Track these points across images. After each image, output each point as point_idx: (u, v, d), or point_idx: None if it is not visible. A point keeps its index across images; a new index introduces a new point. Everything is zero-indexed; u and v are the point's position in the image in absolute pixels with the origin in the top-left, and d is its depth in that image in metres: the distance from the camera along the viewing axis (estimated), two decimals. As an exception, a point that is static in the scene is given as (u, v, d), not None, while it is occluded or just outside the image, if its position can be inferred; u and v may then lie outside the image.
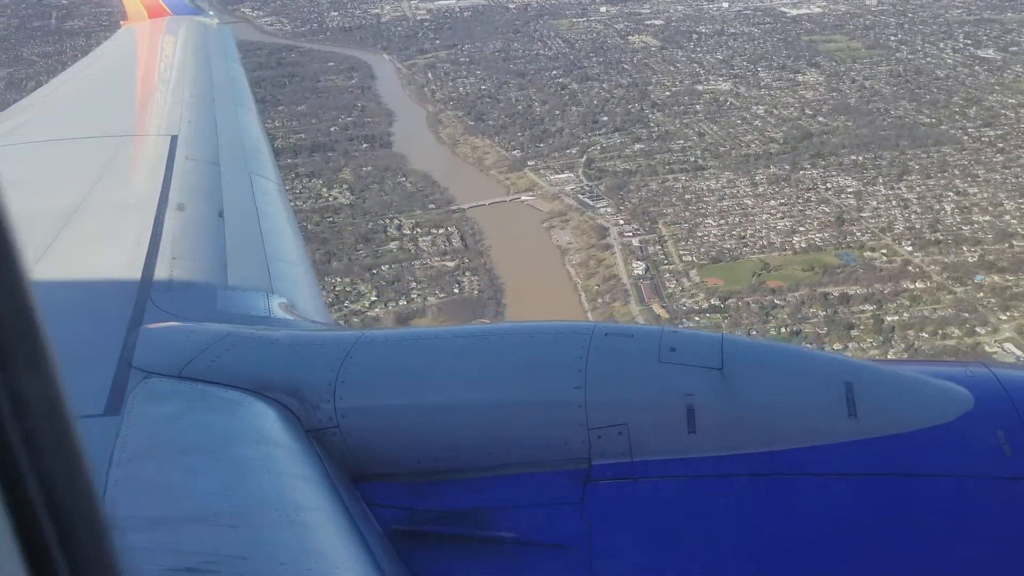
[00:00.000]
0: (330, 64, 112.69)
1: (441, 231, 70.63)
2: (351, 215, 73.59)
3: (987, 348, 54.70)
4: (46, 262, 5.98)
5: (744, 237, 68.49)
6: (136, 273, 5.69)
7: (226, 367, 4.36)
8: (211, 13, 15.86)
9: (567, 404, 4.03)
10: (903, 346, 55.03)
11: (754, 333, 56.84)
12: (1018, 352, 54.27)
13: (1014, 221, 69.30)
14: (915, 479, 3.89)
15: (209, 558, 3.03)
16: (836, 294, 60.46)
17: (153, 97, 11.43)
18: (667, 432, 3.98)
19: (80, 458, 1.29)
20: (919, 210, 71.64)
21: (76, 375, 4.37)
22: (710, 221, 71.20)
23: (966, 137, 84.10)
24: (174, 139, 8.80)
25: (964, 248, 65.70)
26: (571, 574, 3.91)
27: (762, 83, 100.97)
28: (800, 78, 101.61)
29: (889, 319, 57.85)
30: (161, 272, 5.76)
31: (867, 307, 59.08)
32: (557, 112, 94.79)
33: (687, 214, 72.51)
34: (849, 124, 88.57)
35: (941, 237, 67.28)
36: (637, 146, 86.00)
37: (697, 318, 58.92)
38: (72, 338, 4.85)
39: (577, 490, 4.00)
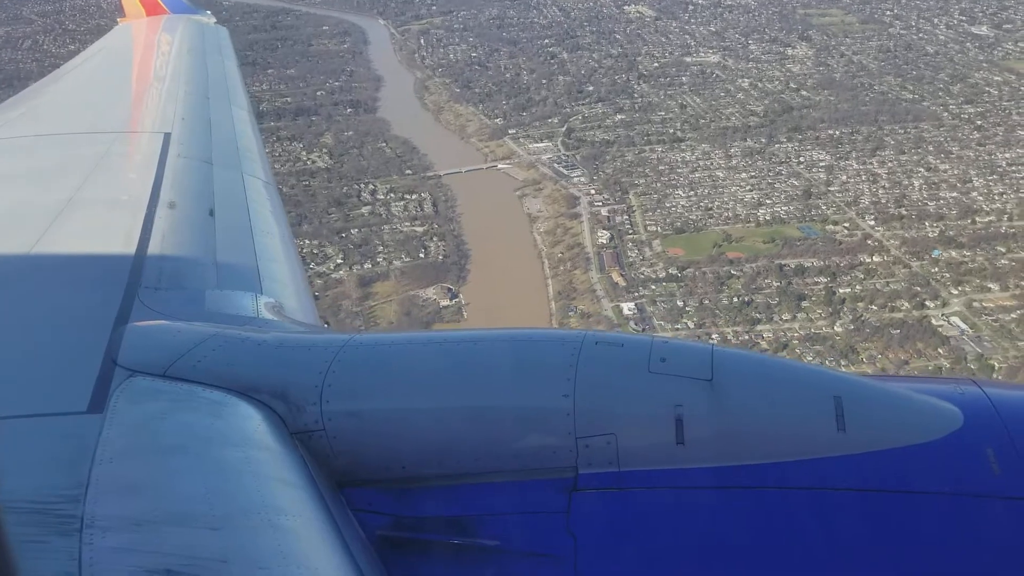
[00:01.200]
0: (324, 28, 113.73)
1: (414, 197, 71.96)
2: (327, 179, 74.95)
3: (934, 322, 55.78)
4: (34, 257, 5.99)
5: (711, 209, 69.46)
6: (124, 270, 5.61)
7: (212, 367, 4.31)
8: (208, 12, 15.85)
9: (555, 412, 4.00)
10: (849, 317, 56.08)
11: (706, 303, 58.14)
12: (963, 326, 55.31)
13: (980, 198, 70.02)
14: (903, 496, 3.88)
15: (189, 560, 3.03)
16: (792, 266, 61.47)
17: (147, 94, 11.45)
18: (655, 442, 3.96)
19: None
20: (887, 185, 72.36)
21: (60, 371, 4.48)
22: (680, 192, 72.17)
23: (946, 114, 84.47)
24: (167, 136, 8.79)
25: (926, 223, 66.50)
26: None
27: (751, 56, 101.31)
28: (789, 52, 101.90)
29: (841, 291, 58.83)
30: (150, 270, 5.69)
31: (821, 279, 60.12)
32: (544, 81, 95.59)
33: (658, 185, 73.49)
34: (831, 99, 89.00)
35: (905, 212, 68.05)
36: (619, 116, 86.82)
37: (653, 286, 60.12)
38: (58, 334, 4.94)
39: (563, 499, 3.98)
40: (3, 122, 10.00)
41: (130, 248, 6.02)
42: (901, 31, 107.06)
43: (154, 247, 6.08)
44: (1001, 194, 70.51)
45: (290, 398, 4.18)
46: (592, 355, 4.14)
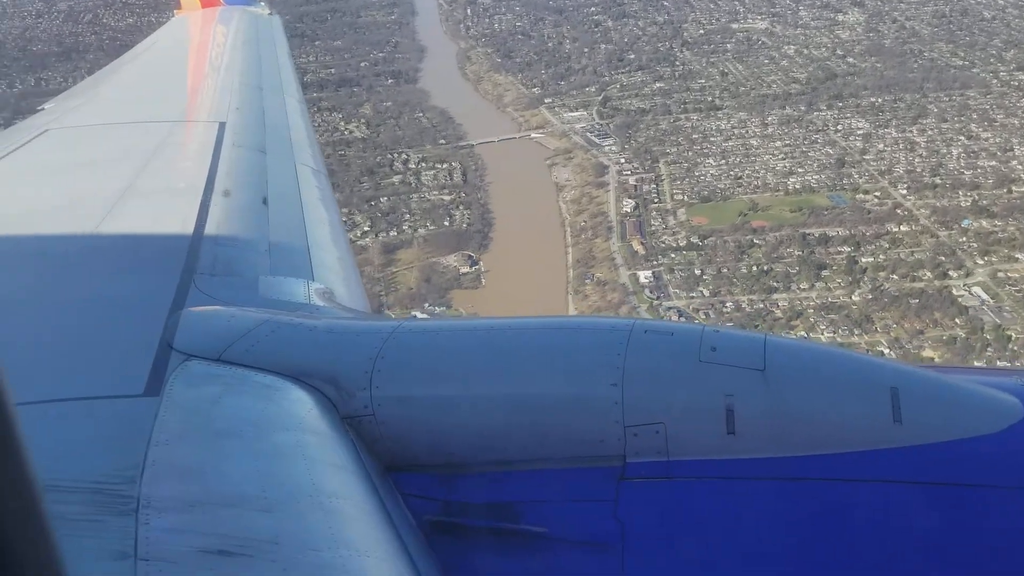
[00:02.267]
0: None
1: (444, 166, 72.95)
2: (362, 149, 76.34)
3: (955, 292, 54.91)
4: (94, 243, 6.13)
5: (740, 178, 69.01)
6: (181, 257, 5.70)
7: (265, 352, 4.37)
8: (262, 3, 15.94)
9: (603, 400, 3.97)
10: (868, 287, 55.54)
11: (724, 271, 58.09)
12: (984, 296, 54.36)
13: (1020, 167, 68.16)
14: (961, 489, 3.81)
15: (241, 541, 3.07)
16: (817, 235, 60.92)
17: (203, 85, 11.61)
18: (705, 432, 3.92)
19: (20, 457, 1.21)
20: (924, 154, 70.92)
21: (118, 355, 4.59)
22: (710, 161, 71.78)
23: (995, 81, 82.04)
24: (222, 126, 8.91)
25: (960, 193, 65.11)
26: (603, 572, 3.91)
27: (800, 22, 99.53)
28: (840, 18, 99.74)
29: (864, 261, 58.19)
30: (205, 256, 5.78)
31: (845, 248, 59.46)
32: (586, 50, 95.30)
33: (690, 154, 73.16)
34: (878, 66, 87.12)
35: (939, 181, 66.70)
36: (657, 85, 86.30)
37: (672, 255, 60.22)
38: (116, 319, 5.07)
39: (611, 488, 3.96)
40: (64, 111, 10.40)
41: (186, 235, 6.10)
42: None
43: (209, 234, 6.15)
44: (1043, 163, 68.62)
45: (340, 383, 4.22)
46: (641, 343, 4.11)
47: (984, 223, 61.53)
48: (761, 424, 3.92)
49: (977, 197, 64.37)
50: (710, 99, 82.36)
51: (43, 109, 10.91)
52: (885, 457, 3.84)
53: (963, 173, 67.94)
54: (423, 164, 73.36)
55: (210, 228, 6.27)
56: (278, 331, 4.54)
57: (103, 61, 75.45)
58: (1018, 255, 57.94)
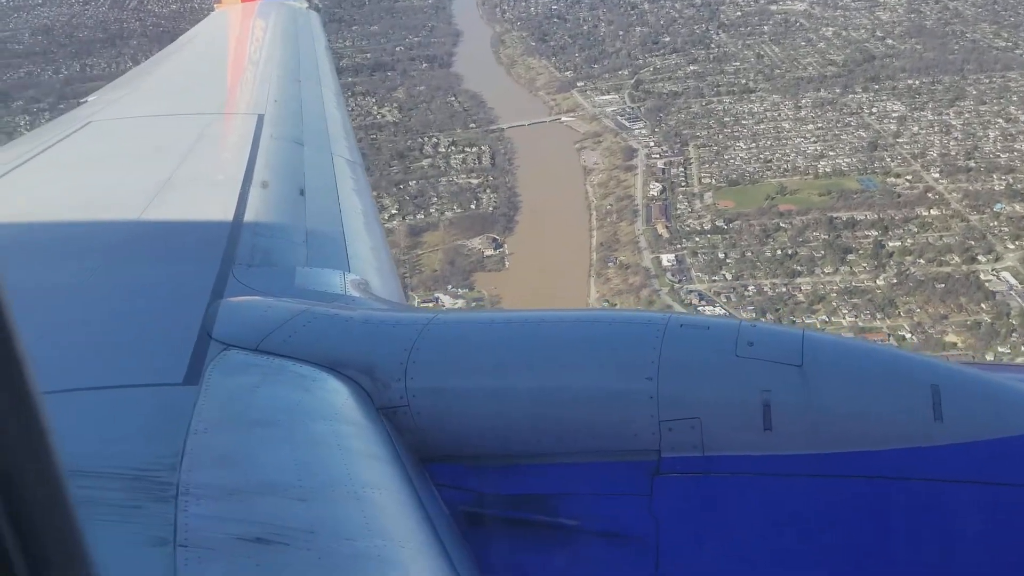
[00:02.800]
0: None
1: (473, 150, 73.31)
2: (393, 133, 76.99)
3: (982, 276, 54.11)
4: (135, 234, 6.27)
5: (770, 161, 68.45)
6: (219, 248, 5.77)
7: (302, 343, 4.41)
8: None
9: (638, 395, 3.97)
10: (893, 271, 54.91)
11: (748, 255, 57.81)
12: (1014, 281, 53.49)
13: (1059, 150, 66.78)
14: (1003, 488, 3.76)
15: (277, 529, 3.11)
16: (844, 219, 60.30)
17: (242, 78, 11.80)
18: (741, 428, 3.89)
19: (51, 458, 1.20)
20: (960, 137, 69.74)
21: (158, 345, 4.66)
22: (740, 144, 71.27)
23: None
24: (260, 118, 9.01)
25: (995, 176, 63.98)
26: (636, 566, 3.90)
27: (840, 3, 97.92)
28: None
29: (891, 245, 57.53)
30: (243, 247, 5.85)
31: (872, 232, 58.80)
32: (620, 32, 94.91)
33: (720, 137, 72.70)
34: (918, 47, 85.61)
35: (974, 164, 65.58)
36: (691, 67, 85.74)
37: (697, 238, 60.05)
38: (156, 309, 5.18)
39: (646, 482, 3.95)
40: (107, 103, 10.52)
41: (225, 226, 6.17)
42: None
43: (248, 225, 6.25)
44: (1082, 146, 67.08)
45: (376, 374, 4.25)
46: (677, 337, 4.09)
47: (1018, 207, 60.44)
48: (798, 420, 3.87)
49: (1012, 181, 63.22)
50: (744, 82, 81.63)
51: (86, 101, 11.05)
52: (925, 455, 3.78)
53: (999, 156, 66.72)
54: (452, 148, 73.80)
55: (248, 219, 6.35)
56: (315, 322, 4.58)
57: (146, 47, 77.00)
58: (1051, 239, 56.87)
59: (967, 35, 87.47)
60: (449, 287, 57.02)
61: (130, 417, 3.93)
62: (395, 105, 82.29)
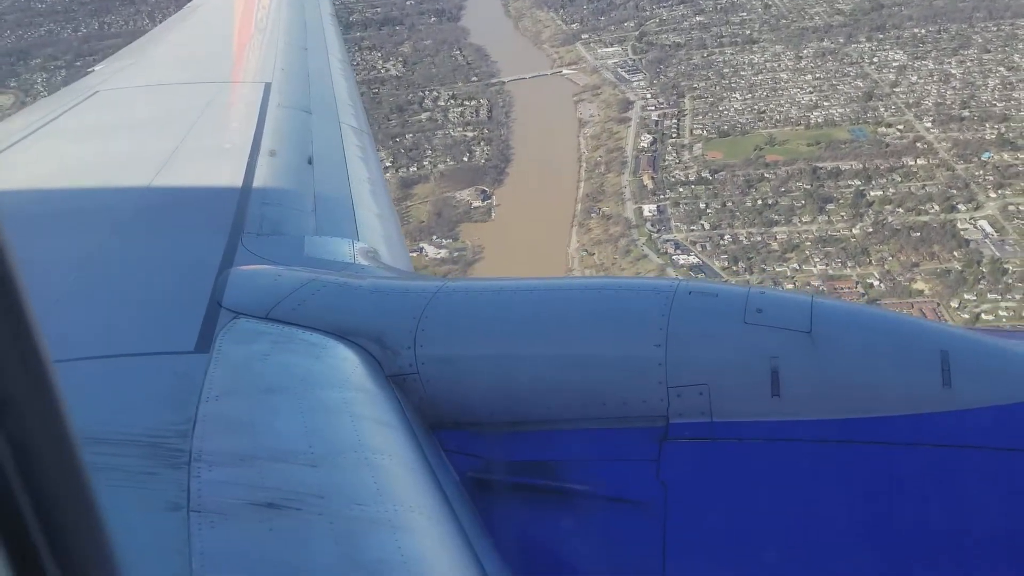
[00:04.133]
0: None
1: (472, 103, 74.37)
2: (395, 87, 78.29)
3: (959, 225, 54.31)
4: (143, 204, 6.29)
5: (763, 112, 68.64)
6: (228, 216, 5.78)
7: (311, 311, 4.45)
8: None
9: (647, 361, 4.00)
10: (870, 220, 55.31)
11: (729, 205, 58.51)
12: (990, 229, 53.64)
13: (1058, 98, 66.10)
14: (1013, 454, 3.77)
15: (289, 495, 3.16)
16: (829, 168, 60.58)
17: (249, 46, 11.65)
18: (750, 394, 3.92)
19: (74, 455, 1.21)
20: (958, 86, 69.25)
21: (169, 313, 4.70)
22: (736, 96, 71.46)
23: (1052, 8, 78.94)
24: (267, 86, 8.94)
25: (987, 125, 63.60)
26: (644, 530, 3.92)
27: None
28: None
29: (872, 194, 57.79)
30: (252, 216, 5.85)
31: (855, 182, 59.05)
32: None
33: (717, 88, 72.91)
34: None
35: (968, 114, 65.21)
36: (697, 19, 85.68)
37: (681, 189, 60.81)
38: (167, 278, 5.20)
39: (654, 448, 3.98)
40: (112, 72, 10.48)
41: (233, 195, 6.17)
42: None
43: (256, 194, 6.25)
44: (1082, 93, 66.30)
45: (385, 341, 4.29)
46: (685, 304, 4.11)
47: (1006, 156, 60.21)
48: (806, 386, 3.90)
49: (1004, 129, 62.87)
50: (748, 32, 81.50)
51: (93, 71, 11.02)
52: (934, 421, 3.78)
53: (995, 105, 66.22)
54: (452, 101, 74.97)
55: (257, 188, 6.36)
56: (324, 290, 4.61)
57: (164, 5, 78.66)
58: (1034, 188, 56.74)
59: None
60: (434, 237, 58.58)
61: (142, 385, 3.98)
62: (400, 59, 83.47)
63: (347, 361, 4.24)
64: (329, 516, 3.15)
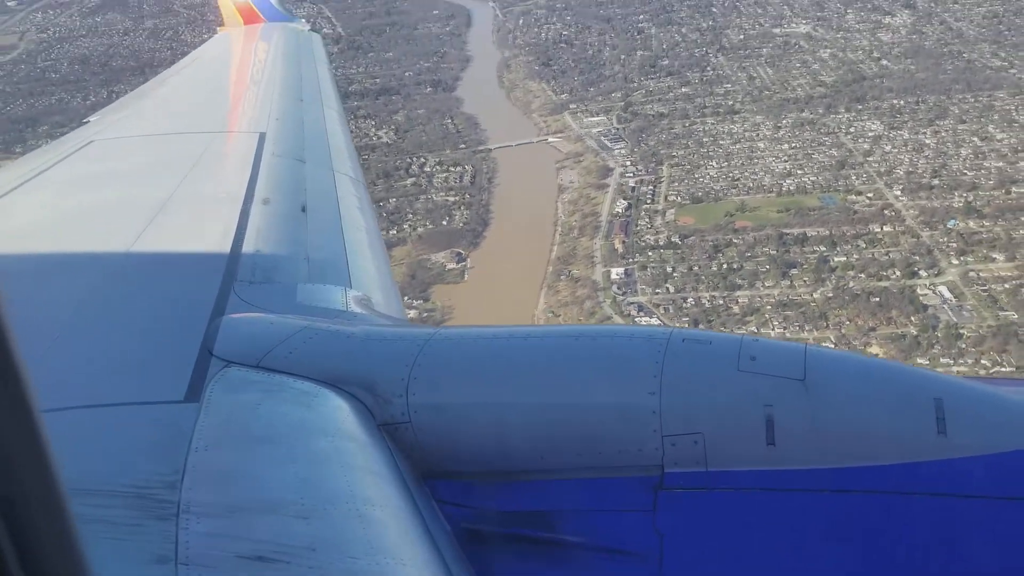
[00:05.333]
0: (434, 12, 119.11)
1: (457, 169, 76.41)
2: (385, 153, 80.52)
3: (919, 291, 55.06)
4: (135, 252, 6.19)
5: (737, 179, 70.08)
6: (220, 265, 5.81)
7: (303, 359, 4.43)
8: (302, 20, 16.74)
9: (641, 409, 3.99)
10: (832, 285, 56.18)
11: (695, 269, 59.63)
12: (948, 295, 54.33)
13: (1027, 167, 67.18)
14: (1008, 503, 3.74)
15: (279, 548, 3.13)
16: (795, 234, 61.70)
17: (244, 97, 11.92)
18: (745, 442, 3.90)
19: (52, 477, 1.22)
20: (931, 155, 70.50)
21: (159, 362, 4.64)
22: (713, 163, 73.00)
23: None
24: (262, 136, 9.07)
25: (956, 194, 64.65)
26: None
27: (844, 26, 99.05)
28: (887, 20, 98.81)
29: (836, 260, 58.76)
30: (245, 264, 5.88)
31: (820, 248, 60.08)
32: (622, 56, 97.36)
33: (695, 156, 74.53)
34: (912, 67, 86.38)
35: (937, 182, 66.32)
36: (683, 89, 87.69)
37: (650, 253, 62.03)
38: (157, 326, 5.18)
39: (649, 497, 3.96)
40: (109, 123, 10.63)
41: (226, 243, 6.20)
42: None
43: (249, 242, 6.27)
44: (1052, 164, 67.36)
45: (377, 390, 4.27)
46: (679, 352, 4.12)
47: (971, 224, 61.14)
48: (801, 435, 3.88)
49: (972, 198, 63.88)
50: (731, 103, 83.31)
51: (89, 121, 11.15)
52: (930, 469, 3.77)
53: (965, 174, 67.36)
54: (438, 167, 77.05)
55: (250, 236, 6.39)
56: (316, 338, 4.60)
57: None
58: (995, 255, 57.50)
59: (964, 55, 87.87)
60: (405, 298, 59.92)
61: (131, 435, 3.96)
62: (392, 127, 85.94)
63: (339, 410, 4.22)
64: (320, 569, 3.14)
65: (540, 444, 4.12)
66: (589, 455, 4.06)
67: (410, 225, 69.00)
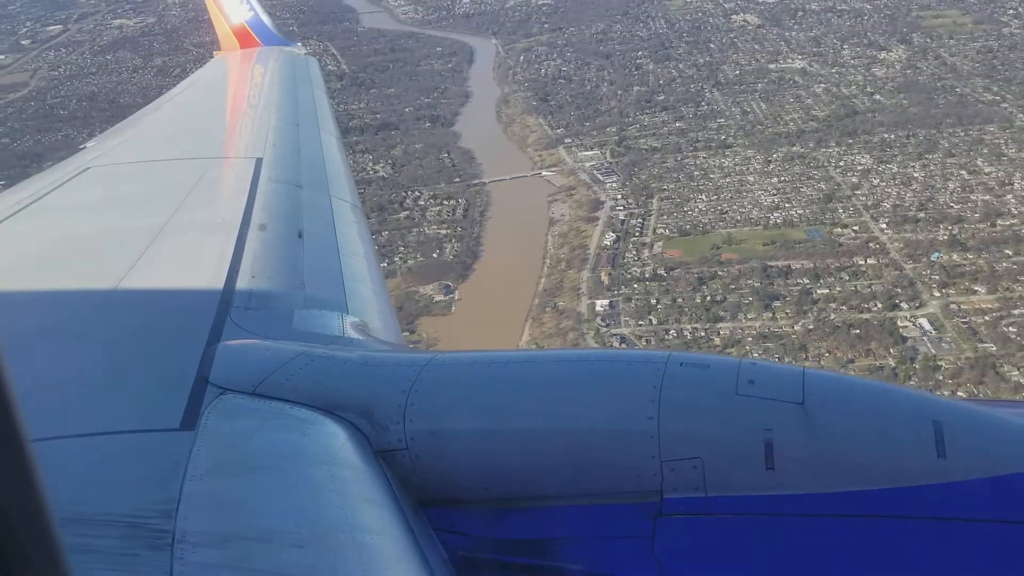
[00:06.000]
0: (438, 49, 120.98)
1: (451, 202, 77.44)
2: (381, 187, 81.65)
3: (899, 323, 55.37)
4: (131, 279, 6.14)
5: (725, 212, 70.73)
6: (217, 291, 5.79)
7: (299, 386, 4.43)
8: (299, 44, 16.79)
9: (639, 435, 3.96)
10: (813, 317, 56.57)
11: (679, 301, 60.16)
12: (928, 327, 54.63)
13: (1013, 200, 67.54)
14: (1008, 526, 3.71)
15: None
16: (780, 267, 62.21)
17: (241, 122, 11.95)
18: (744, 467, 3.87)
19: (43, 508, 1.20)
20: (918, 188, 71.01)
21: (155, 390, 4.63)
22: (702, 197, 73.67)
23: (1022, 115, 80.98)
24: (259, 161, 9.07)
25: (941, 227, 65.09)
26: None
27: (839, 61, 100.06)
28: (882, 55, 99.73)
29: (819, 292, 59.18)
30: (241, 290, 5.85)
31: (803, 280, 60.54)
32: (619, 92, 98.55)
33: (685, 190, 75.24)
34: (904, 102, 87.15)
35: (923, 215, 66.78)
36: (677, 124, 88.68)
37: (635, 285, 62.62)
38: (153, 353, 5.13)
39: (648, 524, 3.93)
40: (105, 149, 10.60)
41: (223, 269, 6.19)
42: (1015, 31, 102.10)
43: (245, 268, 6.24)
44: (1039, 196, 67.82)
45: (374, 416, 4.26)
46: (677, 376, 4.09)
47: (955, 256, 61.50)
48: (801, 459, 3.87)
49: (958, 231, 64.25)
50: (723, 137, 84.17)
51: (84, 148, 11.15)
52: (929, 493, 3.76)
53: (951, 207, 67.75)
54: (431, 200, 78.09)
55: (246, 262, 6.37)
56: (312, 364, 4.59)
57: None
58: (977, 287, 57.81)
59: (957, 89, 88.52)
60: (391, 329, 60.59)
61: (126, 463, 3.93)
62: (389, 162, 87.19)
63: (335, 437, 4.19)
64: None
65: (538, 471, 4.11)
66: (587, 481, 4.05)
67: (401, 257, 69.86)
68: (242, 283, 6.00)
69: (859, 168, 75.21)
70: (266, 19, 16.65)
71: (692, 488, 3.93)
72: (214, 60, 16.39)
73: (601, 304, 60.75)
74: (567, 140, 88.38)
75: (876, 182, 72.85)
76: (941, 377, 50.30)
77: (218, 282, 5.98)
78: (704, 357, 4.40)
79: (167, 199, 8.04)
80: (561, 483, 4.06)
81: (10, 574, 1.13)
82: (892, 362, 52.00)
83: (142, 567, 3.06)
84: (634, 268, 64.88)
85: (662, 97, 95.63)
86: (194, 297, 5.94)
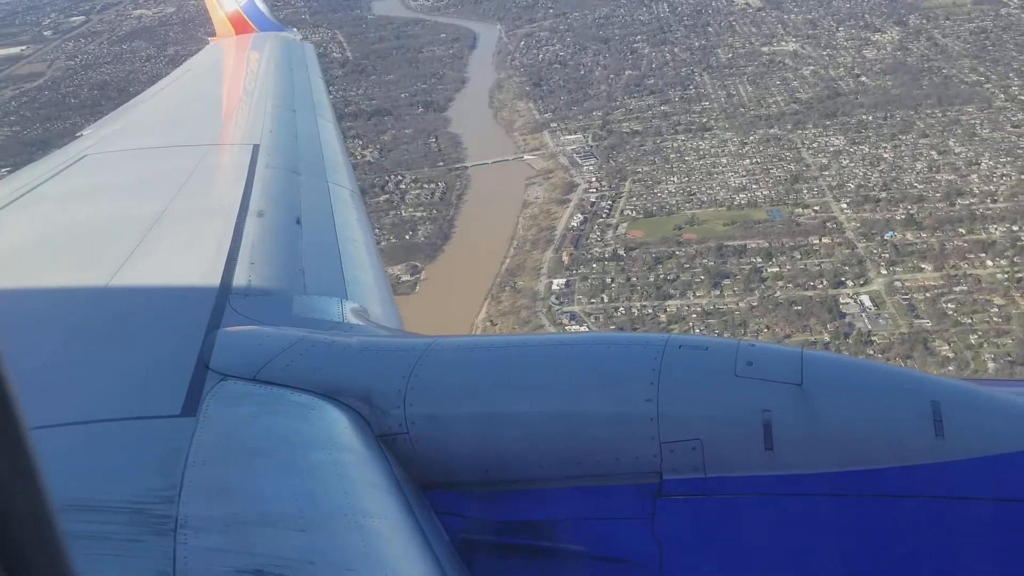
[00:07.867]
0: (442, 35, 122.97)
1: (431, 186, 79.61)
2: (366, 171, 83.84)
3: (841, 300, 56.56)
4: (130, 266, 6.15)
5: (693, 194, 72.07)
6: (216, 278, 5.78)
7: (299, 371, 4.43)
8: (294, 29, 16.73)
9: (638, 417, 3.97)
10: (759, 295, 57.94)
11: (633, 280, 61.83)
12: (869, 304, 55.76)
13: (977, 180, 68.10)
14: (1006, 504, 3.72)
15: (277, 561, 3.11)
16: (735, 246, 63.54)
17: (237, 108, 11.85)
18: (743, 448, 3.89)
19: (41, 494, 1.19)
20: (885, 169, 71.74)
21: (155, 377, 4.64)
22: (673, 179, 75.05)
23: (1001, 95, 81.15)
24: (256, 148, 9.03)
25: (900, 206, 65.91)
26: None
27: (832, 43, 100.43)
28: (875, 37, 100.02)
29: (769, 271, 60.48)
30: (240, 277, 5.84)
31: (756, 259, 61.83)
32: (611, 76, 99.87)
33: (658, 172, 76.68)
34: (889, 84, 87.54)
35: (885, 195, 67.60)
36: (662, 107, 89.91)
37: (594, 265, 64.31)
38: (152, 340, 5.17)
39: (648, 505, 3.95)
40: (102, 137, 10.55)
41: (221, 256, 6.17)
42: (1014, 10, 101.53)
43: (244, 255, 6.22)
44: (1001, 176, 68.22)
45: (374, 401, 4.29)
46: (676, 358, 4.11)
47: (908, 235, 62.38)
48: (799, 439, 3.89)
49: (916, 211, 65.06)
50: (704, 120, 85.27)
51: (81, 135, 11.10)
52: (927, 472, 3.77)
53: (915, 187, 68.49)
54: (412, 184, 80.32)
55: (244, 248, 6.35)
56: (312, 350, 4.59)
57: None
58: (924, 265, 58.73)
59: (943, 71, 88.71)
60: (355, 307, 62.97)
61: (128, 449, 3.95)
62: (377, 147, 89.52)
63: (336, 422, 4.21)
64: None
65: (538, 453, 4.13)
66: (587, 463, 4.07)
67: (375, 239, 72.07)
68: (241, 270, 6.00)
69: (831, 149, 76.08)
70: (261, 5, 16.72)
71: (691, 469, 3.96)
72: (209, 47, 16.40)
73: (558, 283, 62.56)
74: (552, 124, 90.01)
75: (845, 163, 73.69)
76: (872, 352, 51.43)
77: (217, 269, 5.97)
78: (703, 339, 4.47)
79: (165, 186, 8.00)
80: (561, 465, 4.10)
81: (11, 567, 1.16)
82: (827, 337, 53.25)
83: (145, 552, 3.09)
84: (595, 248, 66.52)
85: (652, 81, 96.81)
86: (193, 284, 5.95)
